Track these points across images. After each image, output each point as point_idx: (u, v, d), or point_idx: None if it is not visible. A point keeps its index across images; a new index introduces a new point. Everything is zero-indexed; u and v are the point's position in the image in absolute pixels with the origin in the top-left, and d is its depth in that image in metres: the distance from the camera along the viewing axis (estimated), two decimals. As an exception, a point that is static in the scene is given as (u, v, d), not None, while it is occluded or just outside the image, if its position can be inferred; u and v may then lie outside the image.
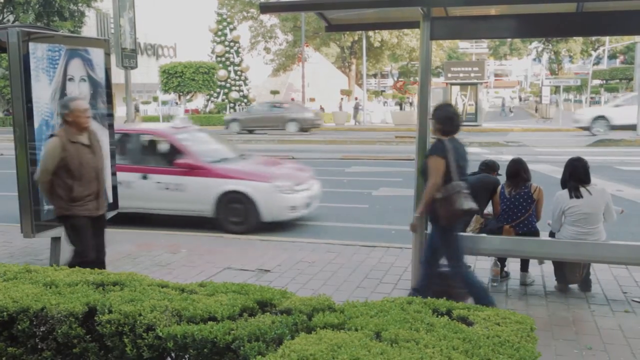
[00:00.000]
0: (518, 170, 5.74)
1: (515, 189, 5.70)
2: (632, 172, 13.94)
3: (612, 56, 65.21)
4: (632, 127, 23.25)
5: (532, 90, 70.16)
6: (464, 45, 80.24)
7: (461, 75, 31.76)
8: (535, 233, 5.70)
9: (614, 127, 24.40)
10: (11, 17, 32.68)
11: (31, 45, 5.90)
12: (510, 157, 6.05)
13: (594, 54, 55.20)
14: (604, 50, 57.25)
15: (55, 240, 6.41)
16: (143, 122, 34.95)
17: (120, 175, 8.32)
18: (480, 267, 6.27)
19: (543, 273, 6.01)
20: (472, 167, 6.44)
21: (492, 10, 5.60)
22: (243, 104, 40.16)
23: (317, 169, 10.79)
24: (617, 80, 53.98)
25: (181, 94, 40.06)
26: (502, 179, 6.02)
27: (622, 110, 24.87)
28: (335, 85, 50.19)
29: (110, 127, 7.09)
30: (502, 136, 24.90)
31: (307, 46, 44.49)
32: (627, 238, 6.70)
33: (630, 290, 5.64)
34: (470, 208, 4.57)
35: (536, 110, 45.09)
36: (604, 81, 55.88)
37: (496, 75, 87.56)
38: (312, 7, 5.59)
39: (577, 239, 5.35)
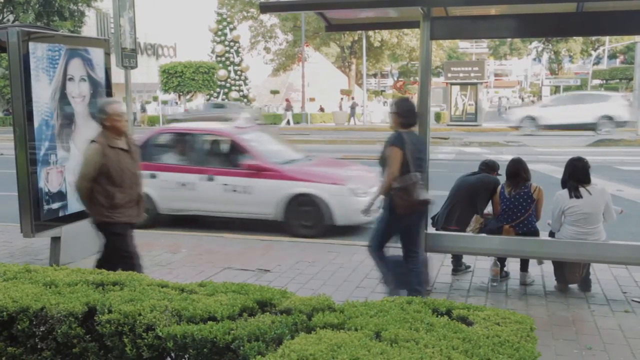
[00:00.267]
0: (518, 170, 5.74)
1: (515, 189, 5.70)
2: (632, 172, 13.94)
3: (612, 56, 65.19)
4: (559, 127, 24.39)
5: (532, 90, 70.12)
6: (464, 45, 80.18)
7: (461, 75, 31.75)
8: (535, 233, 5.70)
9: (542, 127, 25.15)
10: (11, 17, 32.67)
11: (31, 45, 5.90)
12: (510, 157, 6.06)
13: (594, 53, 55.21)
14: (604, 50, 57.24)
15: (55, 240, 6.42)
16: (147, 121, 35.00)
17: (183, 177, 8.37)
18: (480, 267, 6.27)
19: (543, 273, 6.01)
20: (472, 167, 6.46)
21: (492, 10, 5.60)
22: (243, 103, 40.17)
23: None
24: (617, 80, 53.98)
25: (181, 93, 40.09)
26: (502, 179, 6.02)
27: (549, 110, 25.70)
28: (335, 85, 50.20)
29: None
30: (502, 136, 24.89)
31: (307, 46, 44.48)
32: (627, 238, 6.70)
33: (630, 290, 5.64)
34: (425, 199, 4.80)
35: None
36: (604, 81, 55.89)
37: (496, 75, 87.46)
38: (312, 7, 5.59)
39: (577, 238, 5.35)
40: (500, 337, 2.45)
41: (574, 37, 52.81)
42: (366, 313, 2.72)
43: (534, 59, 74.77)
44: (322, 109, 43.95)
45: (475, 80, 31.30)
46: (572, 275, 5.63)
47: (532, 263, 5.93)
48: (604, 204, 5.36)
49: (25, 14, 30.79)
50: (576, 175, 5.43)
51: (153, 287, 3.10)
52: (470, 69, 32.24)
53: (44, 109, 6.07)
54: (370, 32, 43.09)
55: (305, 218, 8.05)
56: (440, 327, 2.53)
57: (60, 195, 6.33)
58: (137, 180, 4.89)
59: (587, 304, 5.30)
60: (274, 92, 44.78)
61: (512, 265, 6.06)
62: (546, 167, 13.17)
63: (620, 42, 52.71)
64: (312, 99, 45.35)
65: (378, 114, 40.02)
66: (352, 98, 41.70)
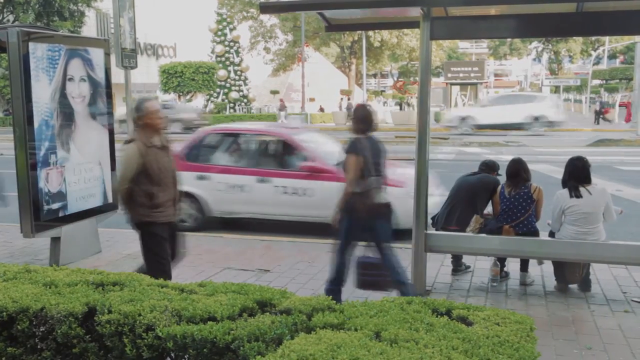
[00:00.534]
0: (518, 170, 5.74)
1: (515, 189, 5.70)
2: (632, 172, 13.95)
3: (612, 56, 65.20)
4: (492, 127, 25.28)
5: (532, 90, 70.10)
6: (463, 45, 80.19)
7: (461, 75, 31.82)
8: (535, 233, 5.70)
9: (479, 127, 25.82)
10: (11, 17, 32.65)
11: (31, 45, 5.90)
12: (510, 157, 6.06)
13: (594, 54, 55.20)
14: (603, 50, 57.24)
15: (55, 240, 6.42)
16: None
17: (236, 179, 8.10)
18: (480, 267, 6.27)
19: (543, 273, 6.01)
20: (472, 167, 6.46)
21: (492, 10, 5.60)
22: (243, 104, 40.17)
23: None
24: (617, 80, 53.97)
25: (181, 93, 40.02)
26: (502, 179, 6.02)
27: (487, 110, 26.43)
28: (335, 85, 50.18)
29: (111, 128, 7.10)
30: (502, 136, 24.90)
31: (307, 46, 44.47)
32: (627, 238, 6.71)
33: (630, 290, 5.64)
34: (388, 202, 4.91)
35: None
36: (604, 81, 55.90)
37: (496, 75, 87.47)
38: (312, 7, 5.59)
39: (576, 238, 5.36)
40: (500, 337, 2.45)
41: (574, 37, 52.82)
42: (366, 313, 2.72)
43: (534, 59, 74.80)
44: (322, 109, 43.93)
45: (475, 81, 31.37)
46: (572, 275, 5.63)
47: (532, 263, 5.93)
48: (604, 204, 5.36)
49: (25, 14, 30.78)
50: (576, 174, 5.44)
51: (153, 287, 3.10)
52: (470, 69, 32.32)
53: (44, 109, 6.07)
54: (370, 32, 43.12)
55: None
56: (440, 327, 2.53)
57: (60, 196, 6.33)
58: (174, 179, 4.79)
59: (587, 304, 5.30)
60: (274, 92, 44.72)
61: (512, 266, 6.06)
62: (546, 167, 13.17)
63: (620, 42, 52.72)
64: (312, 99, 45.37)
65: (378, 114, 39.99)
66: (348, 99, 41.75)
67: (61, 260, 6.32)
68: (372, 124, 5.01)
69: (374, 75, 75.18)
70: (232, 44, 40.71)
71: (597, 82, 54.71)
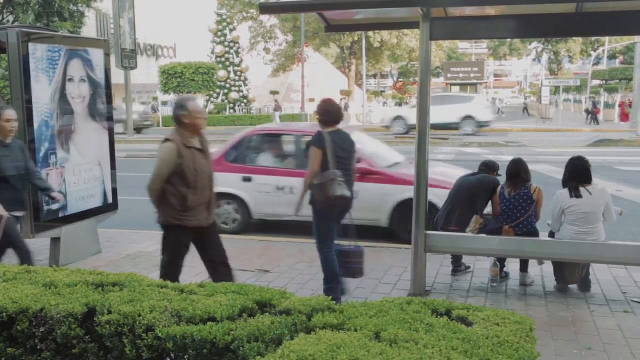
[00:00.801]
0: (518, 171, 5.74)
1: (515, 190, 5.70)
2: (632, 172, 13.95)
3: (612, 56, 65.23)
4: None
5: (531, 90, 70.17)
6: (463, 45, 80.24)
7: (461, 75, 31.88)
8: (535, 234, 5.70)
9: (412, 127, 25.88)
10: (11, 18, 32.63)
11: (31, 45, 5.90)
12: (509, 158, 6.06)
13: (594, 54, 55.24)
14: (603, 51, 57.27)
15: (55, 241, 6.43)
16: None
17: (281, 180, 7.89)
18: (480, 267, 6.28)
19: (543, 273, 6.02)
20: (472, 168, 6.46)
21: (492, 11, 5.60)
22: (243, 104, 40.17)
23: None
24: (617, 81, 54.00)
25: (181, 94, 40.04)
26: (502, 179, 6.02)
27: (449, 108, 26.62)
28: (335, 85, 50.19)
29: (110, 128, 7.10)
30: (502, 136, 24.91)
31: (306, 47, 44.46)
32: (627, 238, 6.71)
33: (630, 290, 5.64)
34: (342, 195, 4.90)
35: (525, 109, 45.33)
36: (604, 81, 55.90)
37: (496, 75, 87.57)
38: (312, 8, 5.59)
39: (576, 238, 5.36)
40: (499, 337, 2.45)
41: (574, 38, 52.86)
42: (366, 314, 2.72)
43: (534, 60, 74.88)
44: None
45: (475, 81, 31.40)
46: (571, 275, 5.64)
47: (532, 263, 5.93)
48: (604, 204, 5.36)
49: (25, 15, 30.76)
50: (577, 174, 5.44)
51: (153, 287, 3.10)
52: (470, 69, 32.39)
53: (44, 110, 6.07)
54: (370, 33, 43.11)
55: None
56: (440, 328, 2.53)
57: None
58: (210, 182, 4.63)
59: (586, 305, 5.31)
60: (274, 93, 44.72)
61: (512, 266, 6.06)
62: (546, 167, 13.18)
63: (619, 42, 52.74)
64: (311, 100, 45.32)
65: (377, 114, 40.07)
66: (344, 99, 41.80)
67: (61, 260, 6.32)
68: (333, 117, 5.08)
69: (374, 76, 75.23)
70: (232, 44, 40.77)
71: (597, 82, 54.71)
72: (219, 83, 39.35)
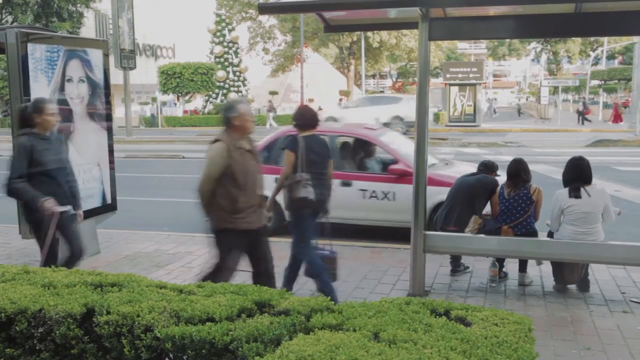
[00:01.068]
0: (519, 171, 5.74)
1: (515, 190, 5.71)
2: (630, 172, 13.97)
3: (611, 57, 65.30)
4: None
5: (530, 90, 70.22)
6: (462, 45, 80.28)
7: (460, 75, 31.80)
8: (534, 234, 5.70)
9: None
10: (10, 18, 32.62)
11: (30, 46, 5.90)
12: (509, 158, 6.05)
13: (593, 54, 55.32)
14: (602, 51, 57.33)
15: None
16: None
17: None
18: (479, 267, 6.28)
19: (541, 273, 6.02)
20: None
21: (491, 11, 5.60)
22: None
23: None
24: (616, 81, 54.06)
25: (180, 94, 40.05)
26: (501, 179, 6.03)
27: (350, 112, 28.02)
28: (334, 85, 50.19)
29: (109, 127, 7.10)
30: (501, 137, 24.93)
31: (305, 47, 44.47)
32: (625, 238, 6.70)
33: (629, 290, 5.65)
34: (305, 197, 5.06)
35: (519, 110, 45.40)
36: (603, 81, 55.95)
37: (495, 75, 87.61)
38: (311, 8, 5.60)
39: (575, 238, 5.36)
40: (498, 337, 2.45)
41: (573, 38, 52.89)
42: (364, 314, 2.72)
43: (533, 60, 74.96)
44: (320, 109, 43.94)
45: (473, 81, 31.35)
46: (570, 275, 5.64)
47: (531, 264, 5.94)
48: (603, 205, 5.36)
49: (23, 15, 30.74)
50: (577, 174, 5.43)
51: (151, 288, 3.10)
52: (468, 69, 32.30)
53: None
54: (369, 33, 43.15)
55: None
56: (439, 328, 2.53)
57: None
58: (259, 183, 4.61)
59: (585, 305, 5.31)
60: (273, 93, 44.71)
61: (511, 266, 6.06)
62: (545, 167, 13.19)
63: (618, 42, 52.83)
64: (311, 100, 45.35)
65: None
66: (340, 100, 41.84)
67: (59, 261, 6.30)
68: (310, 122, 5.25)
69: (373, 76, 75.27)
70: (230, 44, 40.72)
71: (595, 82, 54.77)
72: (217, 83, 39.33)
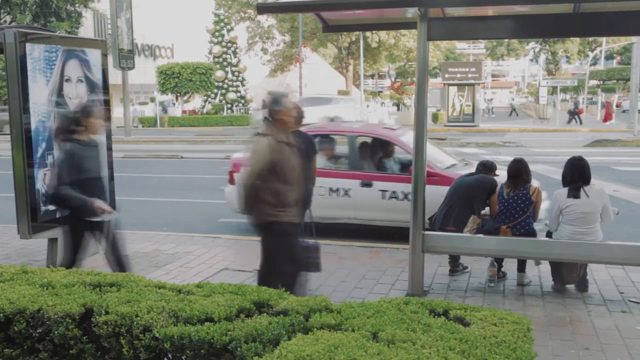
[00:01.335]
0: (519, 171, 5.74)
1: (514, 190, 5.71)
2: (629, 172, 13.98)
3: (609, 57, 65.36)
4: None
5: (529, 90, 70.27)
6: (461, 45, 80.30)
7: (458, 75, 31.80)
8: (532, 234, 5.70)
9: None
10: (8, 18, 32.60)
11: (28, 46, 5.89)
12: (507, 158, 6.05)
13: (591, 54, 55.34)
14: (601, 51, 57.36)
15: (52, 242, 6.40)
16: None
17: (336, 182, 7.69)
18: (478, 267, 6.28)
19: (540, 273, 6.02)
20: (470, 168, 6.46)
21: (490, 11, 5.60)
22: (240, 104, 40.15)
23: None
24: (614, 81, 54.13)
25: (178, 94, 40.02)
26: (499, 179, 6.02)
27: (312, 110, 28.02)
28: (332, 85, 50.23)
29: (107, 128, 7.09)
30: (500, 137, 24.94)
31: (304, 47, 44.50)
32: (624, 238, 6.70)
33: (627, 290, 5.65)
34: None
35: (513, 110, 45.41)
36: (601, 82, 56.01)
37: (493, 75, 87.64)
38: (310, 8, 5.60)
39: (574, 238, 5.36)
40: (497, 337, 2.45)
41: (571, 38, 52.94)
42: (363, 314, 2.72)
43: (531, 60, 74.99)
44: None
45: (472, 81, 31.36)
46: (569, 275, 5.64)
47: (530, 264, 5.94)
48: (602, 205, 5.37)
49: (22, 15, 30.73)
50: (576, 174, 5.43)
51: (150, 288, 3.10)
52: (467, 69, 32.30)
53: (41, 110, 6.06)
54: (368, 33, 43.13)
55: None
56: (437, 328, 2.53)
57: (58, 197, 6.31)
58: (302, 178, 4.58)
59: (584, 305, 5.31)
60: (272, 93, 44.67)
61: (510, 266, 6.07)
62: (544, 167, 13.19)
63: (617, 42, 52.84)
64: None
65: (375, 114, 40.08)
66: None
67: (58, 261, 6.30)
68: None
69: (372, 76, 75.21)
70: (229, 44, 40.70)
71: (594, 82, 54.82)
72: (216, 83, 39.32)
